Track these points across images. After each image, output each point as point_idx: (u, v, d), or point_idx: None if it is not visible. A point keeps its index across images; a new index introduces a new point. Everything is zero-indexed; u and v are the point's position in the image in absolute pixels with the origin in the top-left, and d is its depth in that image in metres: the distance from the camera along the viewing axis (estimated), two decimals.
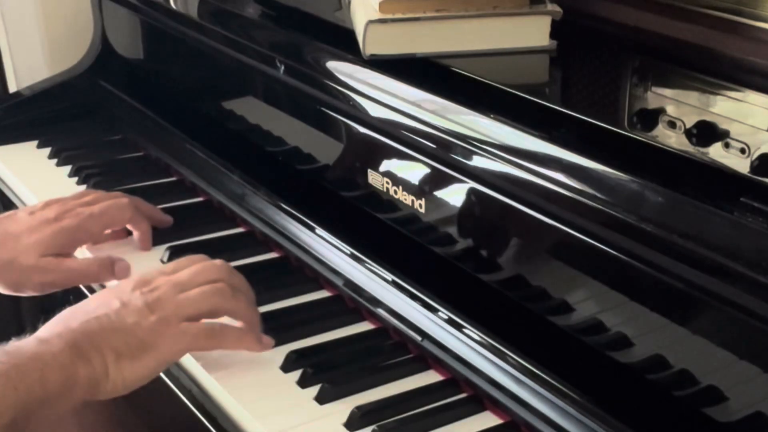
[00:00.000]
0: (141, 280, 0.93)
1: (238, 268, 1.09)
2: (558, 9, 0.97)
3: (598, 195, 0.76)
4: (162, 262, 1.12)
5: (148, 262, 1.12)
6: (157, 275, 0.94)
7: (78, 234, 1.09)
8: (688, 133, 0.80)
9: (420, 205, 0.96)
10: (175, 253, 1.12)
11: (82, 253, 1.13)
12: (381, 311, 0.97)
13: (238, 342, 0.93)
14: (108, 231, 1.14)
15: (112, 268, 1.08)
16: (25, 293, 1.09)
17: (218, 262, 0.97)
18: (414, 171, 0.96)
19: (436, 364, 0.91)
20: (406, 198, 0.97)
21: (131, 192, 1.28)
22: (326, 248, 1.06)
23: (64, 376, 0.82)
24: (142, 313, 0.88)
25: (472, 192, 0.90)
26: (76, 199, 1.13)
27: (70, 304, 1.09)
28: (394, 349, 0.95)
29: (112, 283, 1.07)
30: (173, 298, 0.91)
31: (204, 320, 0.91)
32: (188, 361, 0.94)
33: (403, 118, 0.96)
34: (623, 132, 0.81)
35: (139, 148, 1.43)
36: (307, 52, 1.11)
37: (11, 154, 1.44)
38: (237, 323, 0.93)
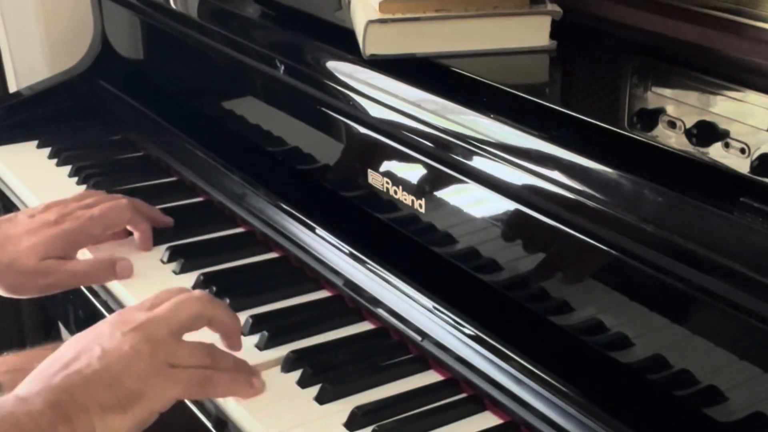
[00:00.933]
0: (119, 321, 0.86)
1: (238, 268, 1.10)
2: (558, 9, 0.97)
3: (598, 195, 0.76)
4: (162, 261, 1.12)
5: (148, 262, 1.12)
6: (136, 311, 0.88)
7: (78, 237, 1.09)
8: (688, 133, 0.80)
9: (420, 205, 0.96)
10: (175, 253, 1.12)
11: (82, 253, 1.13)
12: (381, 311, 0.97)
13: (230, 388, 0.87)
14: (108, 232, 1.13)
15: (114, 269, 1.08)
16: (25, 295, 1.09)
17: (197, 293, 0.91)
18: (414, 171, 0.96)
19: (436, 364, 0.91)
20: (406, 198, 0.97)
21: (131, 192, 1.28)
22: (326, 248, 1.06)
23: None
24: (128, 358, 0.82)
25: (471, 192, 0.90)
26: (76, 202, 1.13)
27: (72, 304, 1.09)
28: (394, 349, 0.95)
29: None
30: (163, 338, 0.84)
31: (193, 368, 0.85)
32: None
33: (403, 118, 0.96)
34: (623, 132, 0.81)
35: (139, 148, 1.43)
36: (307, 52, 1.11)
37: (11, 154, 1.44)
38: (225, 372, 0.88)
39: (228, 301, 1.00)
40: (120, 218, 1.12)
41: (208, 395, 0.88)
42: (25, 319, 1.64)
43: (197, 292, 0.92)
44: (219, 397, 0.88)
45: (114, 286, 1.09)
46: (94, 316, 1.07)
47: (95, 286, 1.11)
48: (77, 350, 0.83)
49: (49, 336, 1.62)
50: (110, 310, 1.06)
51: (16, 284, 1.06)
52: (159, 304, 0.88)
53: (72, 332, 1.42)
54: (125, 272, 1.08)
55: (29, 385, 0.81)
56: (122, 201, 1.13)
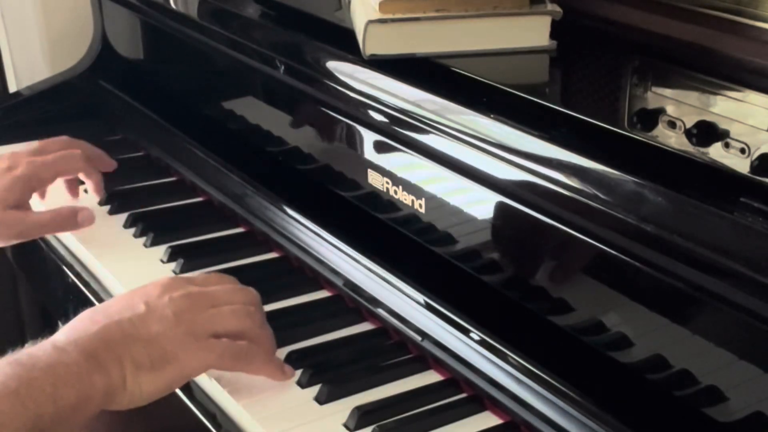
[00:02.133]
0: (170, 285, 0.88)
1: (238, 268, 1.10)
2: (558, 9, 0.97)
3: (598, 195, 0.76)
4: (162, 261, 1.12)
5: (148, 261, 1.12)
6: (187, 284, 0.90)
7: (31, 182, 1.12)
8: (688, 133, 0.80)
9: (420, 205, 0.96)
10: (175, 253, 1.12)
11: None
12: (381, 311, 0.97)
13: (263, 367, 0.88)
14: (60, 178, 1.18)
15: (76, 218, 1.12)
16: None
17: (249, 288, 0.94)
18: (414, 171, 0.96)
19: (436, 364, 0.91)
20: (406, 198, 0.97)
21: (130, 193, 1.28)
22: (326, 248, 1.06)
23: (78, 389, 0.78)
24: (168, 321, 0.84)
25: (471, 192, 0.90)
26: (28, 149, 1.16)
27: (72, 303, 1.09)
28: (394, 349, 0.95)
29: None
30: (203, 311, 0.87)
31: (231, 342, 0.87)
32: None
33: (403, 118, 0.96)
34: (623, 132, 0.81)
35: (139, 148, 1.43)
36: (307, 52, 1.11)
37: None
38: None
39: None
40: (72, 166, 1.17)
41: (240, 369, 0.88)
42: (25, 317, 1.64)
43: (249, 288, 0.94)
44: (251, 373, 0.88)
45: (115, 286, 1.09)
46: None
47: (97, 289, 1.11)
48: (122, 304, 0.86)
49: (47, 322, 1.62)
50: None
51: None
52: (210, 283, 0.91)
53: None
54: (87, 221, 1.12)
55: (68, 332, 0.82)
56: (74, 150, 1.17)
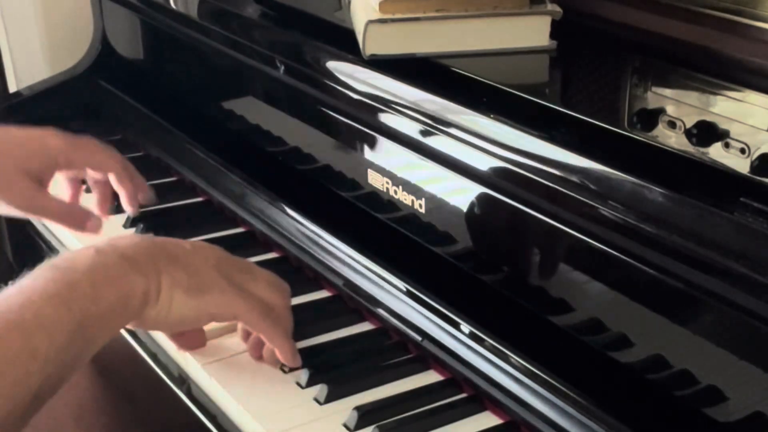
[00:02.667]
0: (214, 247, 0.91)
1: None
2: (558, 9, 0.97)
3: (599, 195, 0.76)
4: None
5: None
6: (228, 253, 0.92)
7: (58, 158, 1.07)
8: (688, 133, 0.80)
9: (420, 205, 0.96)
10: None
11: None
12: (381, 311, 0.97)
13: (282, 339, 0.90)
14: (88, 168, 1.11)
15: (84, 221, 1.06)
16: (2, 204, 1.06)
17: (286, 283, 0.95)
18: (414, 171, 0.96)
19: (436, 364, 0.91)
20: (406, 198, 0.97)
21: None
22: (326, 248, 1.06)
23: (117, 289, 0.79)
24: (210, 264, 0.87)
25: (472, 192, 0.90)
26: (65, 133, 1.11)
27: None
28: (394, 349, 0.95)
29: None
30: (243, 272, 0.89)
31: (262, 299, 0.89)
32: (189, 362, 0.94)
33: (403, 118, 0.96)
34: (623, 132, 0.81)
35: (139, 148, 1.43)
36: (307, 52, 1.11)
37: None
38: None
39: None
40: (105, 163, 1.10)
41: (262, 331, 0.89)
42: None
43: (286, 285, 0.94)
44: (268, 340, 0.90)
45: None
46: None
47: None
48: (168, 239, 0.88)
49: None
50: None
51: None
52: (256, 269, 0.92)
53: None
54: (93, 229, 1.07)
55: (111, 241, 0.83)
56: (116, 154, 1.11)
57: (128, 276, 0.80)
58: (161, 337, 0.98)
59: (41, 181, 1.05)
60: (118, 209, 1.23)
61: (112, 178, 1.10)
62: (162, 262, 0.83)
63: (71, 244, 1.19)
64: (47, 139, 1.06)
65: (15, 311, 0.73)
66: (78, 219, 1.07)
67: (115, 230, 1.20)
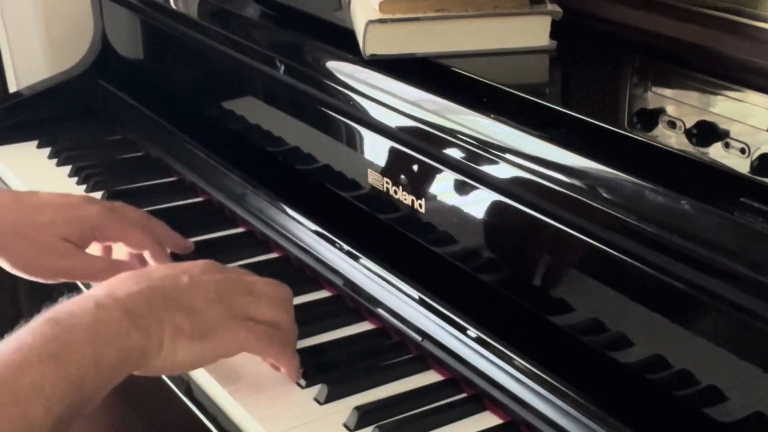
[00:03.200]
0: (211, 266, 0.89)
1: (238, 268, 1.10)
2: (558, 9, 0.97)
3: (598, 195, 0.76)
4: None
5: None
6: (225, 269, 0.90)
7: (94, 230, 1.03)
8: (688, 133, 0.80)
9: (420, 205, 0.96)
10: (176, 253, 1.11)
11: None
12: (381, 311, 0.97)
13: (288, 360, 0.89)
14: (128, 250, 1.07)
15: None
16: (33, 276, 1.02)
17: (284, 284, 0.93)
18: (414, 171, 0.96)
19: (436, 364, 0.91)
20: (406, 198, 0.97)
21: (130, 193, 1.28)
22: (326, 248, 1.06)
23: (118, 348, 0.77)
24: (211, 298, 0.84)
25: (471, 192, 0.90)
26: (103, 201, 1.09)
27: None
28: (394, 349, 0.95)
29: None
30: (243, 295, 0.87)
31: (267, 326, 0.88)
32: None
33: (403, 118, 0.96)
34: (623, 132, 0.81)
35: (139, 148, 1.43)
36: (307, 52, 1.11)
37: (11, 154, 1.44)
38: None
39: None
40: (136, 242, 1.05)
41: (271, 356, 0.89)
42: (25, 318, 1.64)
43: (282, 283, 0.93)
44: (276, 362, 0.89)
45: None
46: None
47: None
48: (165, 273, 0.85)
49: None
50: None
51: (30, 260, 1.00)
52: (248, 276, 0.91)
53: None
54: None
55: (110, 288, 0.81)
56: (149, 225, 1.07)
57: (130, 334, 0.78)
58: None
59: (80, 246, 1.03)
60: None
61: (147, 254, 1.06)
62: (162, 311, 0.81)
63: None
64: (83, 209, 1.03)
65: (12, 375, 0.71)
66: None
67: None
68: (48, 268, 1.01)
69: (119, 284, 0.83)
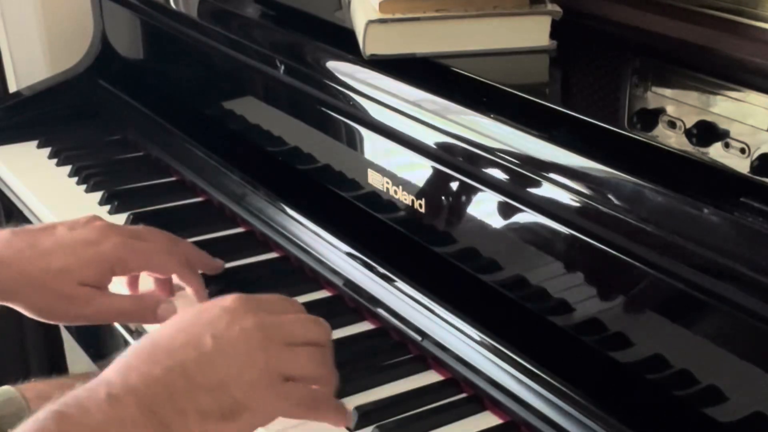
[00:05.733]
0: (239, 310, 0.77)
1: (238, 268, 1.10)
2: (558, 9, 0.97)
3: (598, 195, 0.76)
4: None
5: None
6: (257, 307, 0.78)
7: (114, 266, 0.96)
8: (688, 133, 0.80)
9: (420, 205, 0.96)
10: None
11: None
12: (381, 311, 0.97)
13: (330, 415, 0.81)
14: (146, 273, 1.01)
15: (155, 311, 0.96)
16: (54, 321, 0.98)
17: (321, 320, 0.83)
18: (414, 171, 0.96)
19: (436, 364, 0.91)
20: (406, 198, 0.97)
21: (130, 193, 1.28)
22: (326, 248, 1.06)
23: None
24: (239, 362, 0.74)
25: (471, 192, 0.90)
26: (125, 227, 1.03)
27: None
28: (394, 349, 0.95)
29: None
30: (278, 349, 0.76)
31: (304, 386, 0.79)
32: None
33: (403, 118, 0.96)
34: (623, 132, 0.81)
35: (139, 148, 1.43)
36: (307, 52, 1.11)
37: (11, 154, 1.44)
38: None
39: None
40: (163, 266, 1.00)
41: (313, 418, 0.80)
42: (25, 319, 1.64)
43: (320, 319, 0.84)
44: (322, 420, 0.81)
45: (118, 288, 1.07)
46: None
47: None
48: (186, 337, 0.75)
49: (49, 334, 1.61)
50: None
51: (47, 307, 0.95)
52: (278, 308, 0.81)
53: (73, 335, 1.42)
54: (167, 315, 0.94)
55: (124, 373, 0.72)
56: (175, 249, 1.01)
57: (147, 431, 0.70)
58: None
59: (98, 286, 0.96)
60: (118, 209, 1.24)
61: (175, 277, 1.01)
62: (184, 396, 0.72)
63: None
64: (100, 245, 0.96)
65: None
66: (149, 310, 0.96)
67: None
68: (65, 315, 0.97)
69: (134, 362, 0.73)
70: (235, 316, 0.77)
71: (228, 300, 0.79)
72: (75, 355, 1.59)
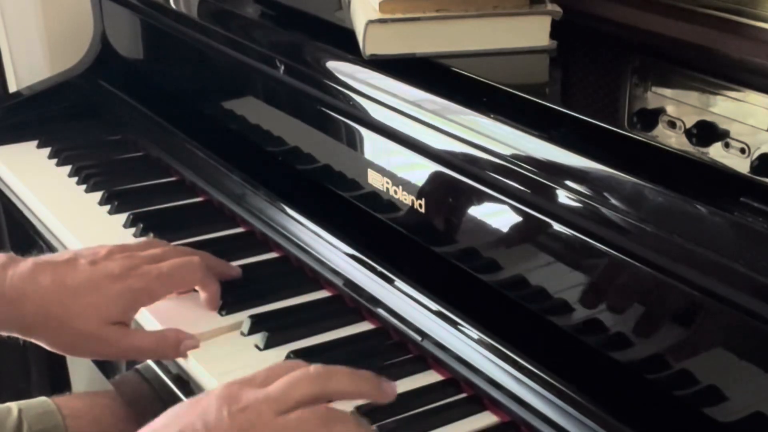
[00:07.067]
0: (228, 395, 0.76)
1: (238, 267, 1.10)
2: (558, 9, 0.97)
3: (598, 195, 0.76)
4: None
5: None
6: (246, 387, 0.77)
7: (142, 297, 0.97)
8: (688, 133, 0.81)
9: (420, 205, 0.96)
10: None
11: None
12: (381, 311, 0.97)
13: None
14: (174, 292, 1.02)
15: (179, 347, 0.95)
16: (77, 356, 0.99)
17: (314, 368, 0.79)
18: (414, 171, 0.96)
19: (436, 364, 0.91)
20: (406, 198, 0.97)
21: (130, 193, 1.28)
22: (326, 248, 1.06)
23: None
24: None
25: (471, 192, 0.90)
26: (142, 251, 1.00)
27: None
28: (394, 349, 0.95)
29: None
30: (270, 422, 0.74)
31: None
32: (190, 363, 0.94)
33: (403, 118, 0.96)
34: (623, 132, 0.81)
35: (139, 148, 1.43)
36: (307, 52, 1.11)
37: (11, 154, 1.44)
38: None
39: (228, 300, 1.00)
40: (190, 278, 1.00)
41: None
42: (30, 361, 1.63)
43: (313, 367, 0.79)
44: None
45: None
46: None
47: None
48: (179, 426, 0.74)
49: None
50: None
51: (70, 344, 0.95)
52: (272, 379, 0.78)
53: None
54: (190, 349, 0.96)
55: None
56: (194, 259, 1.00)
57: None
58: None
59: (123, 321, 0.96)
60: (118, 209, 1.24)
61: (198, 287, 1.02)
62: None
63: (70, 243, 1.19)
64: (127, 280, 0.95)
65: None
66: (172, 348, 0.95)
67: (115, 229, 1.20)
68: (90, 353, 0.97)
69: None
70: (225, 402, 0.75)
71: (219, 388, 0.78)
72: (76, 365, 1.59)
